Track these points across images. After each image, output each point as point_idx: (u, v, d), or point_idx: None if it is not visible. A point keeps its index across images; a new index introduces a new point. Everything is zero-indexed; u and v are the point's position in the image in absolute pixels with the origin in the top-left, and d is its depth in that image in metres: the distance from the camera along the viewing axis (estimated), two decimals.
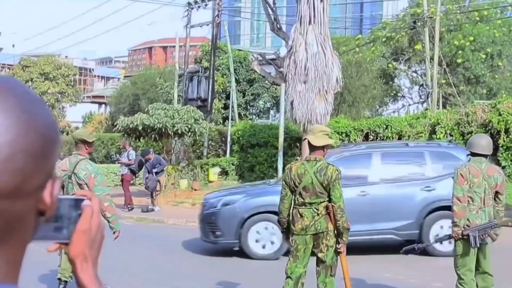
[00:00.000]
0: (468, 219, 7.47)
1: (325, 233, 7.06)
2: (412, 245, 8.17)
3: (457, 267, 7.67)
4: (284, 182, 7.26)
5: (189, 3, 33.46)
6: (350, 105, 31.12)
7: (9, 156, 0.99)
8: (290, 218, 7.25)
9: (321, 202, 7.04)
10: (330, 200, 7.01)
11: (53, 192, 1.11)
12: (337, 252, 7.10)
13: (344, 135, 24.39)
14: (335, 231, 7.06)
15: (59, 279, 8.14)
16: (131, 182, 21.82)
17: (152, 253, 12.82)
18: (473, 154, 7.70)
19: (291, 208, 7.26)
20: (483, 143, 7.72)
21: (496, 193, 7.67)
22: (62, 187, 7.89)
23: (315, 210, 7.04)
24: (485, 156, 7.70)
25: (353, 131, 24.42)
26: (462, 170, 7.57)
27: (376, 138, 24.29)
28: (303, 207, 7.10)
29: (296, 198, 7.17)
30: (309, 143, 7.16)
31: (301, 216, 7.10)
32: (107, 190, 7.76)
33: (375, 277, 10.23)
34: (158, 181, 20.11)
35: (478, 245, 7.42)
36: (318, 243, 7.11)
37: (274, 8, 20.72)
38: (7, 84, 1.04)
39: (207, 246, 13.29)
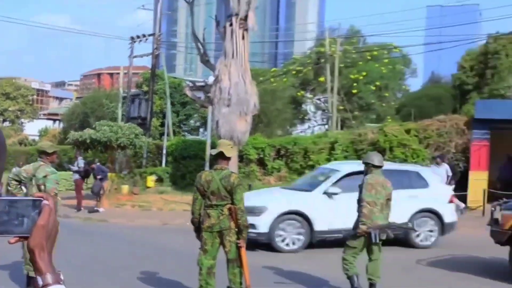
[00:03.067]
0: (372, 220, 7.76)
1: (228, 230, 7.05)
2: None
3: (346, 254, 8.06)
4: (196, 188, 7.25)
5: (132, 37, 33.08)
6: (265, 125, 31.30)
7: None
8: (200, 218, 7.22)
9: (225, 204, 7.03)
10: (232, 203, 7.02)
11: None
12: (238, 247, 7.09)
13: (260, 150, 24.53)
14: (236, 229, 7.07)
15: (27, 274, 7.87)
16: (82, 186, 21.49)
17: (96, 248, 12.57)
18: (374, 167, 7.99)
19: (201, 209, 7.24)
20: (379, 158, 8.18)
21: (387, 200, 8.00)
22: (26, 187, 7.94)
23: (220, 211, 7.04)
24: (380, 168, 8.05)
25: (268, 147, 24.57)
26: (371, 180, 7.84)
27: (286, 153, 24.51)
28: (211, 208, 7.09)
29: (205, 201, 7.15)
30: (222, 154, 7.15)
31: (209, 216, 7.08)
32: (55, 185, 7.77)
33: (282, 267, 10.24)
34: (102, 186, 19.96)
35: (377, 241, 7.77)
36: (222, 240, 7.10)
37: (203, 44, 20.71)
38: None
39: (147, 241, 13.14)
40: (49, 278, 1.38)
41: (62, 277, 1.45)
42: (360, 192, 7.91)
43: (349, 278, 8.05)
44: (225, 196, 7.04)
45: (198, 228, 7.30)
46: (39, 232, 1.33)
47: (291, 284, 9.07)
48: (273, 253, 11.77)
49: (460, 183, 20.14)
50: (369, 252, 8.03)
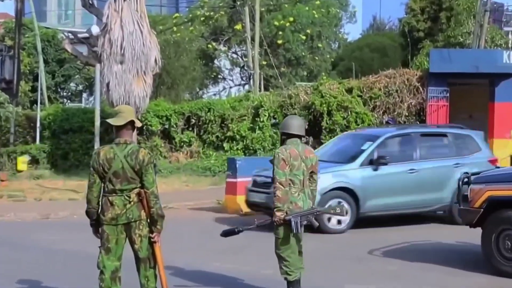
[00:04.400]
0: (291, 202, 7.73)
1: (137, 222, 6.85)
2: (232, 227, 8.32)
3: (279, 249, 7.93)
4: (92, 169, 6.94)
5: None
6: (169, 87, 30.93)
7: None
8: (100, 207, 6.96)
9: (133, 189, 6.82)
10: (142, 186, 6.82)
11: None
12: (151, 242, 6.91)
13: (164, 118, 24.24)
14: (148, 220, 6.88)
15: None
16: None
17: None
18: (289, 136, 7.92)
19: (101, 197, 6.97)
20: (298, 123, 8.05)
21: (311, 173, 8.01)
22: None
23: (127, 197, 6.81)
24: (299, 137, 7.98)
25: (174, 115, 24.31)
26: (284, 154, 7.76)
27: (198, 122, 24.37)
28: (114, 194, 6.84)
29: (105, 185, 6.89)
30: (131, 123, 6.96)
31: (112, 204, 6.83)
32: None
33: (199, 266, 10.21)
34: None
35: (299, 231, 7.70)
36: (130, 234, 6.91)
37: None
38: None
39: (24, 241, 12.79)
40: None
41: None
42: (273, 170, 7.85)
43: (289, 283, 7.98)
44: (132, 178, 6.83)
45: (96, 221, 7.09)
46: None
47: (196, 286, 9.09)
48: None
49: None
50: None
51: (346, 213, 13.01)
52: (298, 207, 7.75)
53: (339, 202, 12.85)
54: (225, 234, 8.25)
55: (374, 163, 13.57)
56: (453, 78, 20.81)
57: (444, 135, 14.77)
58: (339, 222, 13.16)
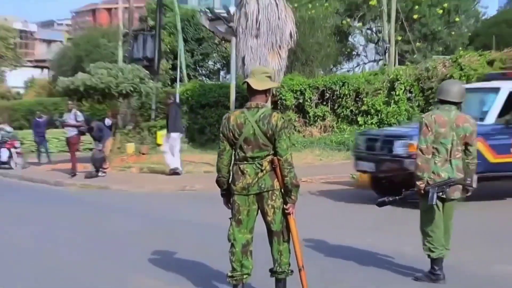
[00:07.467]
0: (433, 172, 7.09)
1: (270, 192, 6.21)
2: (383, 198, 7.72)
3: (423, 223, 7.32)
4: (221, 135, 6.35)
5: None
6: (303, 64, 30.53)
7: None
8: (230, 176, 6.38)
9: (265, 156, 6.17)
10: (275, 154, 6.16)
11: None
12: (285, 214, 6.27)
13: (299, 93, 23.75)
14: (282, 190, 6.23)
15: None
16: (78, 145, 21.19)
17: (97, 223, 12.03)
18: (442, 102, 7.27)
19: (231, 165, 6.38)
20: (454, 89, 7.34)
21: (466, 144, 7.24)
22: None
23: (259, 165, 6.18)
24: (455, 104, 7.23)
25: (308, 89, 23.83)
26: (428, 119, 7.13)
27: (333, 96, 23.75)
28: (245, 162, 6.22)
29: (236, 153, 6.28)
30: (249, 87, 6.30)
31: (243, 173, 6.23)
32: None
33: (332, 241, 9.55)
34: (104, 156, 19.63)
35: (433, 202, 7.05)
36: (263, 205, 6.29)
37: None
38: None
39: (160, 212, 12.63)
40: None
41: None
42: None
43: (432, 261, 7.28)
44: (264, 145, 6.16)
45: (227, 190, 6.50)
46: None
47: (330, 262, 8.34)
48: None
49: None
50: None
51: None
52: (441, 179, 7.06)
53: None
54: (379, 204, 7.78)
55: None
56: None
57: None
58: None
